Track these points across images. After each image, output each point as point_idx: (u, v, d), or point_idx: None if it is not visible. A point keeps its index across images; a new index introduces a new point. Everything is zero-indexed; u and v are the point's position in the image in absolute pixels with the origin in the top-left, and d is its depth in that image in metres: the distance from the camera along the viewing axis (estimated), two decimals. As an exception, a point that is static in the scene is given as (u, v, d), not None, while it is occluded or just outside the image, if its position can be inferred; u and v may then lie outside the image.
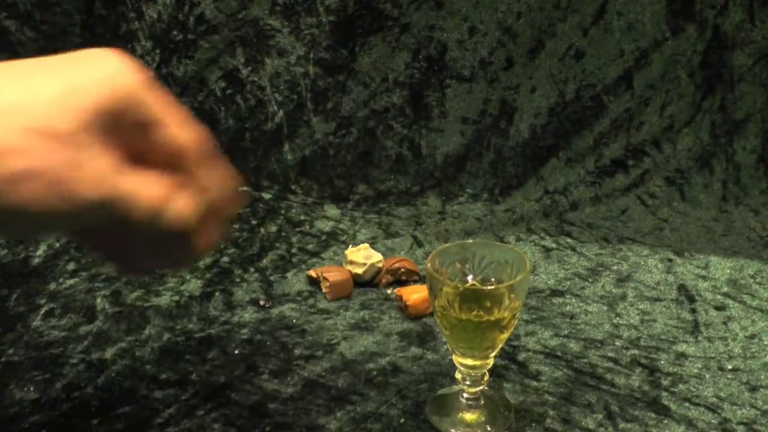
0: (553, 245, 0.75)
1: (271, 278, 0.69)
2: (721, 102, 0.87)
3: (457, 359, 0.47)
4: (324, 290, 0.65)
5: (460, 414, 0.49)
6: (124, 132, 0.31)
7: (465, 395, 0.49)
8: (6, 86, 0.30)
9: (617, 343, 0.58)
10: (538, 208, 0.83)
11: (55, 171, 0.29)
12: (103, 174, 0.30)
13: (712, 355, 0.57)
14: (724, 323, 0.61)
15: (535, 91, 0.87)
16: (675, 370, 0.55)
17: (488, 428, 0.48)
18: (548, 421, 0.49)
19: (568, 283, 0.68)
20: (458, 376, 0.48)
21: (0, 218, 0.29)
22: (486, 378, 0.48)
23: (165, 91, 0.32)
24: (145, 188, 0.32)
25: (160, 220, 0.32)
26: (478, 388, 0.48)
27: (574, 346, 0.58)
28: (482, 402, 0.49)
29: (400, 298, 0.62)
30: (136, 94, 0.31)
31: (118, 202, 0.31)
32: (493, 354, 0.46)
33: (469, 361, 0.46)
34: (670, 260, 0.72)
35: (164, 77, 0.92)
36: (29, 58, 0.31)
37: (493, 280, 0.48)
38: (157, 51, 0.91)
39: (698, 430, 0.48)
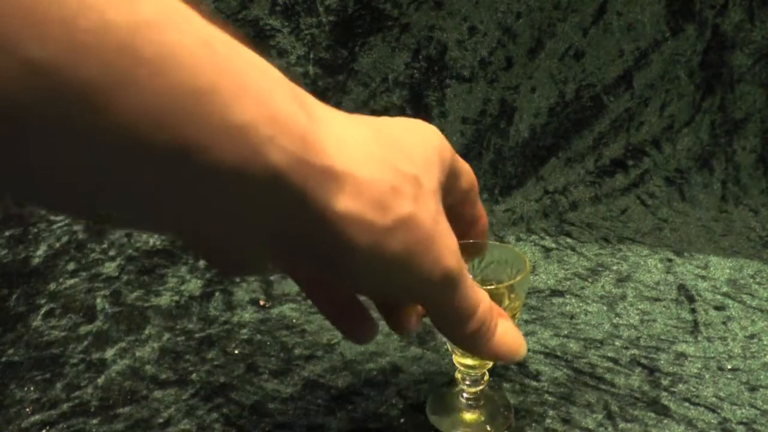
0: (553, 245, 0.75)
1: (271, 278, 0.69)
2: (720, 102, 0.87)
3: (456, 359, 0.47)
4: (324, 290, 0.65)
5: (460, 414, 0.49)
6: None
7: (465, 395, 0.49)
8: (363, 126, 0.27)
9: (617, 343, 0.58)
10: (538, 208, 0.83)
11: (427, 226, 0.27)
12: (454, 248, 0.29)
13: (712, 355, 0.57)
14: (724, 323, 0.61)
15: (535, 91, 0.87)
16: (675, 370, 0.55)
17: (488, 428, 0.48)
18: (548, 421, 0.49)
19: (568, 283, 0.68)
20: (458, 376, 0.48)
21: (367, 265, 0.26)
22: (486, 378, 0.48)
23: None
24: (482, 298, 0.32)
25: (478, 340, 0.32)
26: (478, 388, 0.48)
27: (573, 346, 0.58)
28: (482, 402, 0.49)
29: (400, 298, 0.62)
30: (453, 152, 0.31)
31: (454, 289, 0.29)
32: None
33: (469, 361, 0.46)
34: (670, 260, 0.72)
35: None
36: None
37: (492, 280, 0.48)
38: (157, 51, 0.91)
39: (698, 430, 0.48)
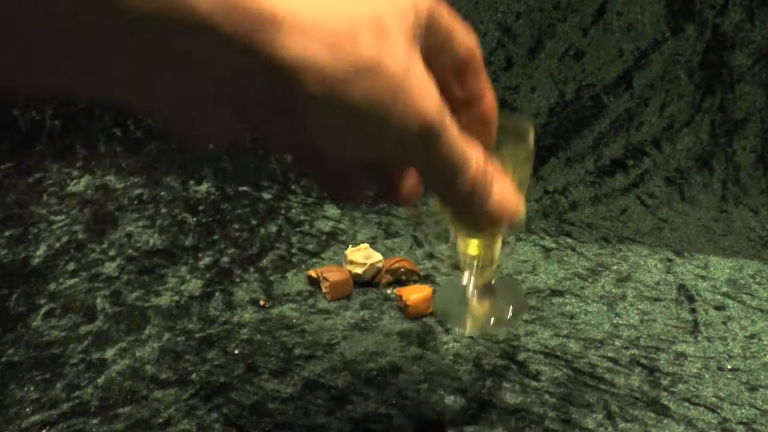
0: (553, 245, 0.75)
1: (271, 278, 0.69)
2: (720, 102, 0.87)
3: (461, 246, 0.41)
4: (324, 290, 0.65)
5: (469, 306, 0.43)
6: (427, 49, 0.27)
7: (473, 286, 0.43)
8: None
9: (617, 343, 0.58)
10: (538, 208, 0.83)
11: (395, 74, 0.24)
12: (432, 96, 0.26)
13: (712, 355, 0.57)
14: (724, 323, 0.61)
15: (535, 91, 0.87)
16: (675, 369, 0.55)
17: (500, 318, 0.43)
18: (548, 421, 0.49)
19: (568, 283, 0.68)
20: (464, 266, 0.42)
21: (326, 117, 0.24)
22: (495, 266, 0.43)
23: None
24: (475, 153, 0.29)
25: (475, 200, 0.29)
26: (486, 277, 0.42)
27: (573, 346, 0.58)
28: (493, 293, 0.43)
29: (400, 298, 0.62)
30: (437, 7, 0.28)
31: (436, 140, 0.27)
32: (500, 238, 0.41)
33: (474, 249, 0.41)
34: (670, 260, 0.72)
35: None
36: None
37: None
38: (157, 51, 0.91)
39: (698, 430, 0.48)
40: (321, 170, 0.31)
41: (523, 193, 0.38)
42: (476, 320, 0.43)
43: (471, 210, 0.31)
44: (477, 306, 0.43)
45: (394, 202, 0.34)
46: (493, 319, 0.43)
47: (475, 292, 0.43)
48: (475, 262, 0.42)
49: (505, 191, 0.31)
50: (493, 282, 0.43)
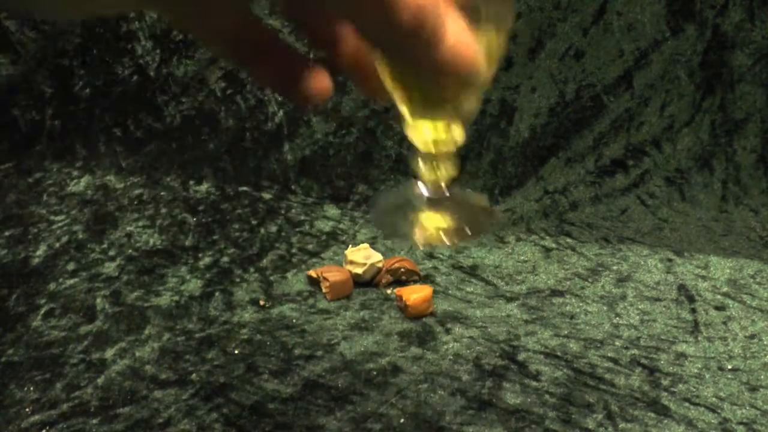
0: (553, 245, 0.75)
1: (271, 278, 0.69)
2: (721, 102, 0.87)
3: (410, 132, 0.32)
4: (324, 290, 0.65)
5: (419, 214, 0.33)
6: None
7: (425, 188, 0.33)
8: None
9: (617, 343, 0.58)
10: (538, 208, 0.83)
11: None
12: None
13: (712, 355, 0.57)
14: (724, 323, 0.61)
15: (535, 91, 0.87)
16: (675, 370, 0.55)
17: (458, 233, 0.33)
18: (548, 421, 0.49)
19: (568, 283, 0.68)
20: (415, 161, 0.33)
21: None
22: (453, 165, 0.32)
23: None
24: None
25: (423, 41, 0.22)
26: (442, 176, 0.33)
27: (574, 346, 0.58)
28: (450, 201, 0.34)
29: (400, 298, 0.62)
30: None
31: None
32: (461, 120, 0.32)
33: (428, 130, 0.32)
34: (670, 260, 0.72)
35: (164, 77, 0.92)
36: None
37: None
38: (157, 51, 0.91)
39: (698, 430, 0.48)
40: (275, 69, 0.26)
41: (498, 52, 0.29)
42: (428, 233, 0.33)
43: (419, 57, 0.24)
44: (429, 214, 0.33)
45: (356, 79, 0.28)
46: (448, 231, 0.33)
47: (428, 197, 0.33)
48: (432, 151, 0.32)
49: (460, 33, 0.24)
50: (449, 187, 0.33)
